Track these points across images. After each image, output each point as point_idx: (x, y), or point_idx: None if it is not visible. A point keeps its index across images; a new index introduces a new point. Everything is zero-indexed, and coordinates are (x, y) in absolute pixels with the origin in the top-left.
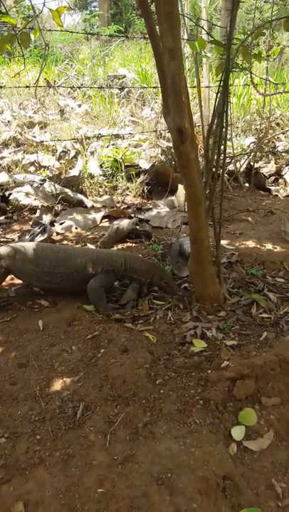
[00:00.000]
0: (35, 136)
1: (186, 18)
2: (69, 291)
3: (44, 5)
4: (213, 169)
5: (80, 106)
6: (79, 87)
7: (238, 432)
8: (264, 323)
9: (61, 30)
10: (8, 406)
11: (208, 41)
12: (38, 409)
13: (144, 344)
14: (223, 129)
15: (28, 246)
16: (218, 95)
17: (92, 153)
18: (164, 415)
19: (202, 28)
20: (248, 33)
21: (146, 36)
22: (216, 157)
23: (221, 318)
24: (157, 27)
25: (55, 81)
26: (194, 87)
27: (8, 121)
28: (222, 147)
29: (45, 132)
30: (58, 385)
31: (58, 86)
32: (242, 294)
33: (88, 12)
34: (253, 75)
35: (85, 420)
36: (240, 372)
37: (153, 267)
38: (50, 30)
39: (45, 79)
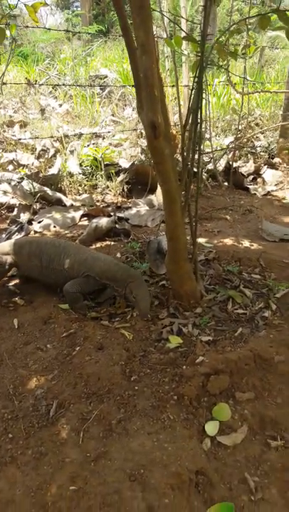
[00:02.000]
0: (14, 135)
1: (165, 17)
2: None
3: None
4: (189, 166)
5: (60, 105)
6: (58, 85)
7: (211, 427)
8: (239, 318)
9: (38, 27)
10: None
11: (183, 37)
12: (11, 407)
13: (120, 341)
14: (198, 126)
15: (33, 240)
16: (193, 92)
17: (71, 151)
18: (138, 411)
19: (177, 25)
20: (225, 30)
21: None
22: (191, 154)
23: (197, 315)
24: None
25: (36, 80)
26: (174, 86)
27: None
28: (197, 144)
29: (25, 131)
30: (31, 383)
31: (40, 84)
32: (218, 290)
33: (70, 12)
34: (230, 74)
35: (59, 418)
36: (215, 367)
37: (129, 277)
38: (27, 27)
39: (26, 78)
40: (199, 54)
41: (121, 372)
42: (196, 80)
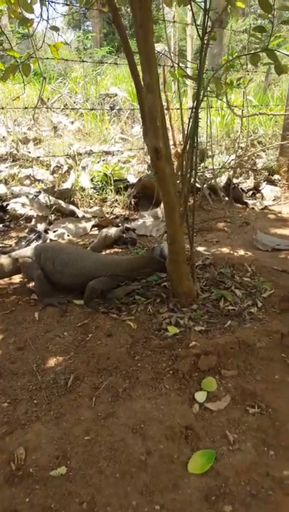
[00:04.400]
0: (29, 152)
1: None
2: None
3: (43, 41)
4: (189, 181)
5: (72, 123)
6: (73, 109)
7: (200, 396)
8: (229, 314)
9: (57, 60)
10: (9, 379)
11: (183, 76)
12: (35, 381)
13: (126, 330)
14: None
15: (49, 246)
16: (190, 121)
17: (83, 168)
18: (140, 382)
19: (179, 65)
20: (235, 54)
21: (137, 57)
22: (189, 173)
23: (193, 310)
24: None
25: (48, 98)
26: (178, 109)
27: (4, 137)
28: (193, 163)
29: (39, 148)
30: (51, 362)
31: (51, 108)
32: (212, 290)
33: (81, 31)
34: (234, 96)
35: (75, 388)
36: (205, 349)
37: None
38: (47, 58)
39: (40, 97)
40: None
41: (126, 353)
42: (194, 110)
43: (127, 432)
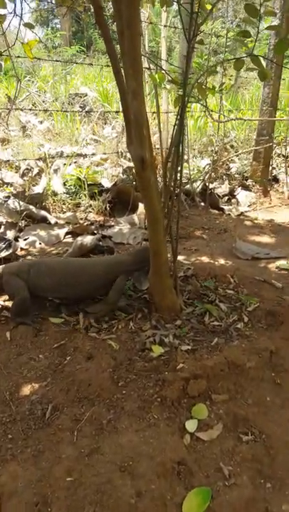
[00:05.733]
0: None
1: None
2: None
3: (16, 38)
4: (171, 190)
5: (41, 123)
6: (45, 110)
7: (191, 425)
8: (215, 330)
9: (30, 58)
10: None
11: (167, 81)
12: (9, 411)
13: (107, 351)
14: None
15: (41, 262)
16: (175, 128)
17: (55, 171)
18: (126, 412)
19: (161, 68)
20: (204, 57)
21: (107, 56)
22: (172, 181)
23: (177, 327)
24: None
25: (15, 96)
26: (154, 112)
27: None
28: (178, 173)
29: (7, 149)
30: (27, 389)
31: (22, 109)
32: (196, 304)
33: (50, 29)
34: (208, 100)
35: (54, 420)
36: (194, 372)
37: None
38: (18, 57)
39: (6, 94)
40: (180, 92)
41: (109, 378)
42: (178, 117)
43: (114, 471)
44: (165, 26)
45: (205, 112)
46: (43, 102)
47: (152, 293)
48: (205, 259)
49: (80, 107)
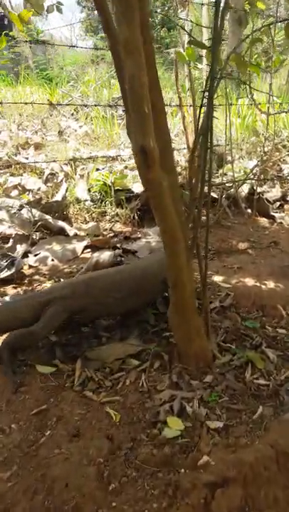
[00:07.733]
0: (27, 158)
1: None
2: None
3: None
4: (200, 195)
5: (81, 127)
6: (68, 104)
7: None
8: (260, 392)
9: (20, 30)
10: None
11: (188, 42)
12: None
13: (102, 425)
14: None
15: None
16: (202, 111)
17: (81, 176)
18: None
19: (187, 31)
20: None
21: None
22: (200, 184)
23: (207, 385)
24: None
25: (58, 102)
26: (191, 105)
27: (4, 142)
28: (206, 170)
29: (40, 154)
30: None
31: (58, 104)
32: (235, 351)
33: (98, 38)
34: (254, 91)
35: None
36: (223, 474)
37: None
38: (46, 43)
39: (48, 99)
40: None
41: (96, 477)
42: (207, 95)
43: None
44: None
45: (252, 103)
46: (85, 106)
47: (174, 335)
48: (249, 280)
49: (123, 110)
